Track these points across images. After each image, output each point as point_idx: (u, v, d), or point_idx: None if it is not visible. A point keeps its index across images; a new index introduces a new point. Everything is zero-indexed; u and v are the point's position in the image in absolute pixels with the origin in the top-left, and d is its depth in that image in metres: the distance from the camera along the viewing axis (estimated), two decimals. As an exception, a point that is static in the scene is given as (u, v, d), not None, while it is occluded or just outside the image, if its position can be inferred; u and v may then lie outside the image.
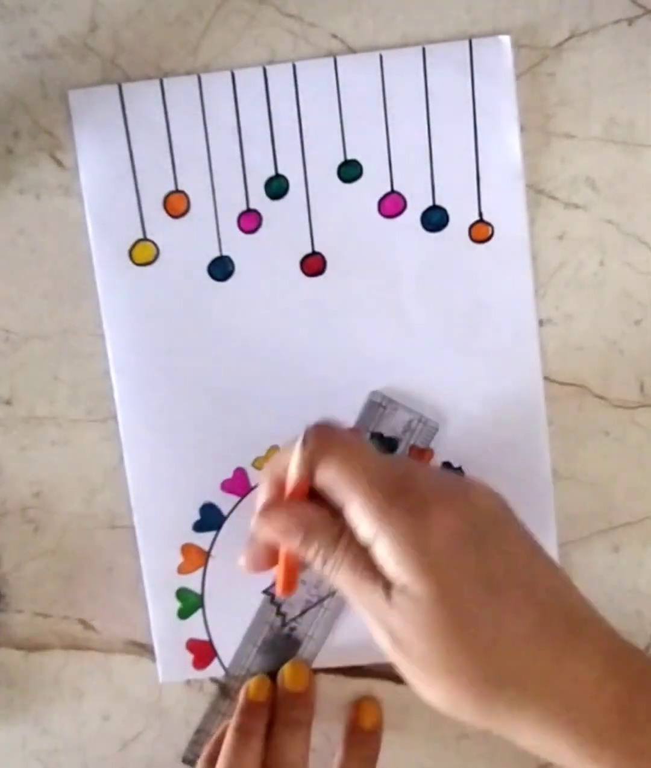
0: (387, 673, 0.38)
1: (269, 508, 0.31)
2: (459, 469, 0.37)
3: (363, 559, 0.29)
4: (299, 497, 0.30)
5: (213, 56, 0.36)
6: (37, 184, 0.37)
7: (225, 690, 0.39)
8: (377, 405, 0.37)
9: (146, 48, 0.36)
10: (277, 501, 0.31)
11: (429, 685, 0.28)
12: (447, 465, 0.37)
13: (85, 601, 0.39)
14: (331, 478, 0.29)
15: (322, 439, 0.30)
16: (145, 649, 0.39)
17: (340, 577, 0.29)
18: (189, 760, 0.39)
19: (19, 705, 0.39)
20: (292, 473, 0.30)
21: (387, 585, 0.28)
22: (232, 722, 0.37)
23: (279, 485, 0.31)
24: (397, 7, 0.36)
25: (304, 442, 0.30)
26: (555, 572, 0.30)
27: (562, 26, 0.36)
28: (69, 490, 0.38)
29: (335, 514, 0.30)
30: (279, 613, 0.38)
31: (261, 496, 0.31)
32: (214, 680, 0.39)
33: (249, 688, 0.38)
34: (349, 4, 0.36)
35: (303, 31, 0.36)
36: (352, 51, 0.36)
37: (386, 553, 0.28)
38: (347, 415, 0.37)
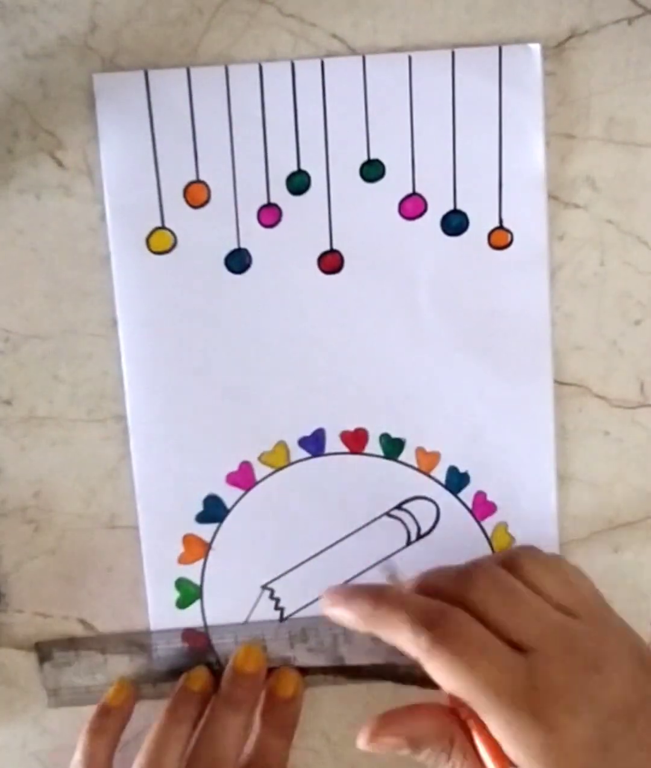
0: (387, 673, 0.37)
1: (384, 715, 0.30)
2: (465, 474, 0.37)
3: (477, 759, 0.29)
4: None
5: (213, 56, 0.36)
6: (37, 184, 0.37)
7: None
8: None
9: (146, 48, 0.36)
10: None
11: None
12: (453, 469, 0.37)
13: (85, 601, 0.39)
14: (455, 682, 0.28)
15: (437, 621, 0.28)
16: (144, 649, 0.39)
17: None
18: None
19: (19, 705, 0.39)
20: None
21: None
22: (167, 706, 0.37)
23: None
24: (397, 8, 0.36)
25: (419, 626, 0.28)
26: None
27: (562, 26, 0.36)
28: (69, 490, 0.38)
29: (452, 719, 0.29)
30: (277, 607, 0.38)
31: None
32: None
33: (188, 676, 0.38)
34: (349, 4, 0.36)
35: (303, 31, 0.36)
36: (352, 51, 0.36)
37: (515, 758, 0.28)
38: (356, 414, 0.37)
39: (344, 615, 0.31)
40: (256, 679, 0.37)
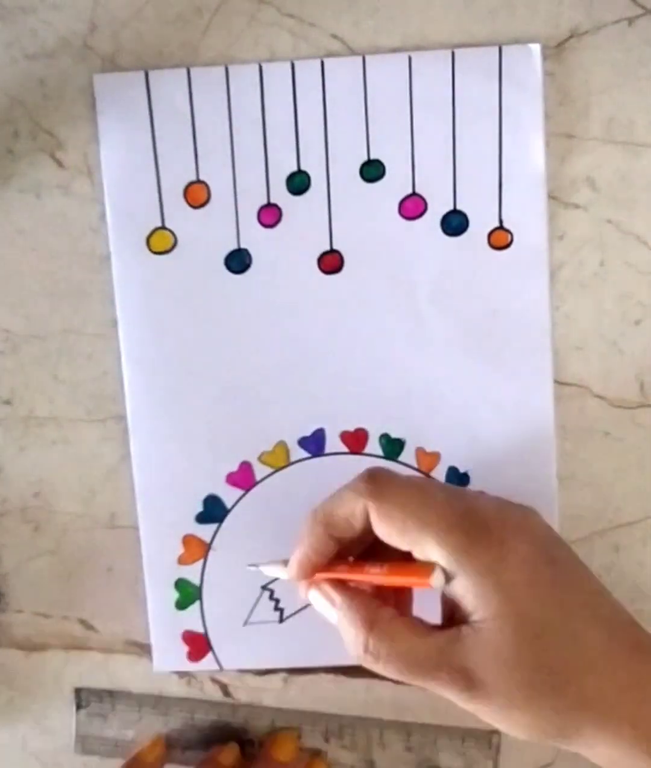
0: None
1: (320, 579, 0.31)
2: (465, 475, 0.37)
3: (415, 620, 0.30)
4: (355, 548, 0.31)
5: (213, 56, 0.36)
6: (37, 184, 0.37)
7: (226, 691, 0.39)
8: None
9: (146, 48, 0.36)
10: (324, 550, 0.31)
11: (513, 719, 0.28)
12: (453, 469, 0.37)
13: (85, 601, 0.39)
14: (399, 519, 0.29)
15: (381, 480, 0.30)
16: (144, 649, 0.39)
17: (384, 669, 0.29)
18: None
19: (19, 705, 0.39)
20: (350, 517, 0.30)
21: (457, 625, 0.29)
22: None
23: (329, 534, 0.31)
24: (397, 8, 0.36)
25: (362, 483, 0.30)
26: (608, 592, 0.30)
27: (562, 26, 0.36)
28: (69, 490, 0.38)
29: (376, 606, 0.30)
30: (277, 608, 0.38)
31: (305, 543, 0.31)
32: (214, 680, 0.39)
33: (221, 750, 0.37)
34: (349, 4, 0.36)
35: (303, 31, 0.36)
36: (352, 51, 0.36)
37: (465, 590, 0.28)
38: (356, 415, 0.37)
39: (307, 541, 0.31)
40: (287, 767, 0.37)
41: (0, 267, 0.37)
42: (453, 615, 0.29)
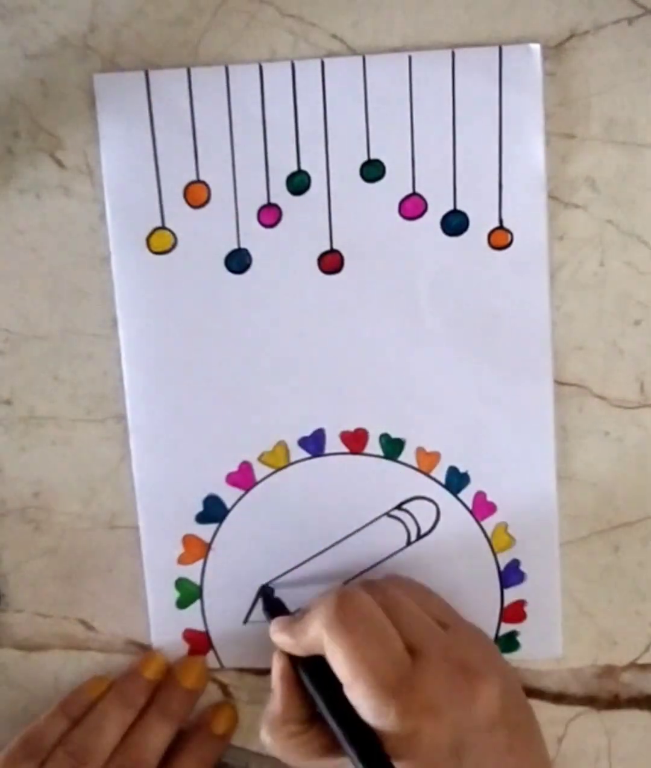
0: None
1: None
2: (465, 475, 0.37)
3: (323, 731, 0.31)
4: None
5: (213, 56, 0.36)
6: (37, 184, 0.37)
7: (226, 690, 0.39)
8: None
9: (146, 48, 0.36)
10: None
11: None
12: (453, 469, 0.37)
13: (85, 601, 0.39)
14: (339, 661, 0.30)
15: (342, 613, 0.31)
16: (145, 649, 0.39)
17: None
18: None
19: (19, 705, 0.39)
20: (303, 633, 0.32)
21: None
22: (116, 682, 0.37)
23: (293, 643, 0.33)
24: (397, 8, 0.36)
25: (325, 609, 0.31)
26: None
27: (562, 26, 0.35)
28: (69, 490, 0.38)
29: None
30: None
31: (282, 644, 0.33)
32: (214, 680, 0.39)
33: (143, 658, 0.38)
34: (349, 4, 0.36)
35: (303, 31, 0.36)
36: (352, 51, 0.36)
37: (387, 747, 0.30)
38: (355, 414, 0.37)
39: (278, 638, 0.33)
40: (193, 695, 0.38)
41: (0, 267, 0.37)
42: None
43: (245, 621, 0.38)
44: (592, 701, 0.38)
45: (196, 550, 0.38)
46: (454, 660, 0.32)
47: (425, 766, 0.29)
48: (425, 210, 0.36)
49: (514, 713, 0.32)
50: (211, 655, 0.38)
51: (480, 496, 0.37)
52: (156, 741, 0.36)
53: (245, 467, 0.38)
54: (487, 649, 0.34)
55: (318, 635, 0.31)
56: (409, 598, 0.34)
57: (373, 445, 0.37)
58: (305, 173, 0.36)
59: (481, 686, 0.31)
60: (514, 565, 0.38)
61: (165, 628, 0.38)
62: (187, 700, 0.37)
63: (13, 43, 0.36)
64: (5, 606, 0.39)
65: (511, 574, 0.38)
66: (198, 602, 0.38)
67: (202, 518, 0.38)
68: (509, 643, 0.38)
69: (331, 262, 0.37)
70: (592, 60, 0.36)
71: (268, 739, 0.32)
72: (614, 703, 0.38)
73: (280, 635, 0.33)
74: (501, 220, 0.36)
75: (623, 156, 0.36)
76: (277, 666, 0.33)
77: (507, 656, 0.37)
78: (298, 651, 0.32)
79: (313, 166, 0.36)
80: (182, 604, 0.38)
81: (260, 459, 0.38)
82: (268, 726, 0.32)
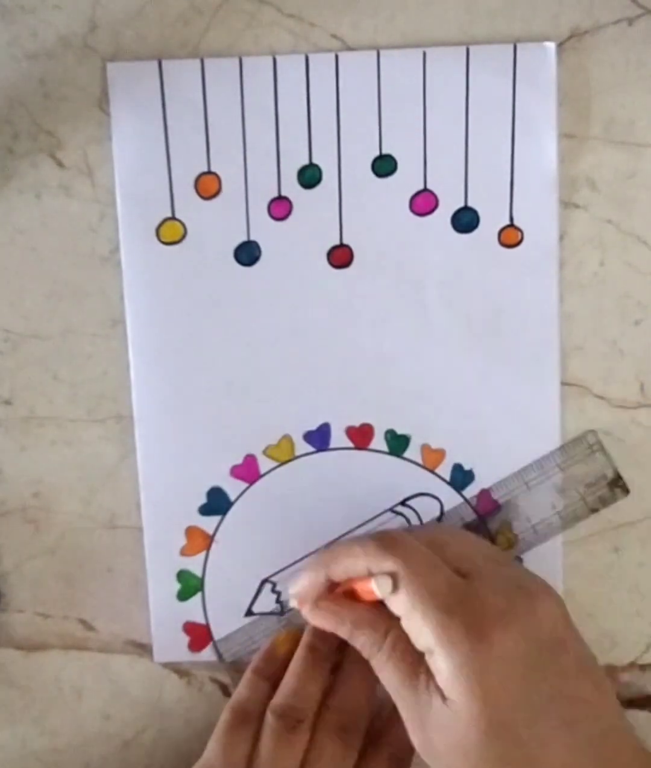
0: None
1: (321, 599, 0.32)
2: (470, 472, 0.37)
3: (409, 661, 0.30)
4: (350, 596, 0.32)
5: (213, 56, 0.36)
6: (37, 184, 0.37)
7: (226, 690, 0.39)
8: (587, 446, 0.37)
9: (146, 48, 0.36)
10: (321, 589, 0.32)
11: None
12: (458, 466, 0.37)
13: (85, 601, 0.39)
14: (400, 589, 0.30)
15: (389, 544, 0.31)
16: (145, 649, 0.39)
17: (383, 675, 0.31)
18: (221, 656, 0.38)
19: (19, 705, 0.39)
20: (352, 572, 0.31)
21: (430, 690, 0.29)
22: (303, 640, 0.36)
23: (331, 583, 0.32)
24: (397, 8, 0.36)
25: (371, 544, 0.30)
26: (600, 695, 0.30)
27: (562, 26, 0.36)
28: (69, 490, 0.38)
29: (387, 615, 0.31)
30: (278, 601, 0.38)
31: (306, 582, 0.33)
32: (214, 680, 0.39)
33: (278, 638, 0.37)
34: (349, 4, 0.36)
35: (303, 31, 0.36)
36: (352, 51, 0.36)
37: (440, 668, 0.29)
38: (362, 410, 0.37)
39: (307, 577, 0.33)
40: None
41: (0, 267, 0.37)
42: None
43: (246, 614, 0.38)
44: (592, 701, 0.38)
45: (199, 542, 0.38)
46: (509, 579, 0.31)
47: (502, 682, 0.28)
48: (436, 206, 0.36)
49: (575, 639, 0.30)
50: (210, 648, 0.38)
51: (484, 494, 0.37)
52: (362, 687, 0.35)
53: (250, 460, 0.38)
54: (541, 579, 0.32)
55: (359, 569, 0.30)
56: (453, 538, 0.33)
57: (379, 441, 0.37)
58: (317, 167, 0.36)
59: (541, 603, 0.30)
60: (515, 564, 0.38)
61: (165, 621, 0.38)
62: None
63: (13, 43, 0.36)
64: (5, 606, 0.39)
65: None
66: (199, 595, 0.38)
67: (205, 510, 0.38)
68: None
69: (340, 256, 0.37)
70: (592, 60, 0.36)
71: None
72: (614, 703, 0.38)
73: (312, 573, 0.32)
74: (512, 218, 0.36)
75: (623, 156, 0.36)
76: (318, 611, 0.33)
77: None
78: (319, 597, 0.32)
79: (324, 159, 0.36)
80: (183, 596, 0.38)
81: (265, 452, 0.38)
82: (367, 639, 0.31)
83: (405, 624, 0.30)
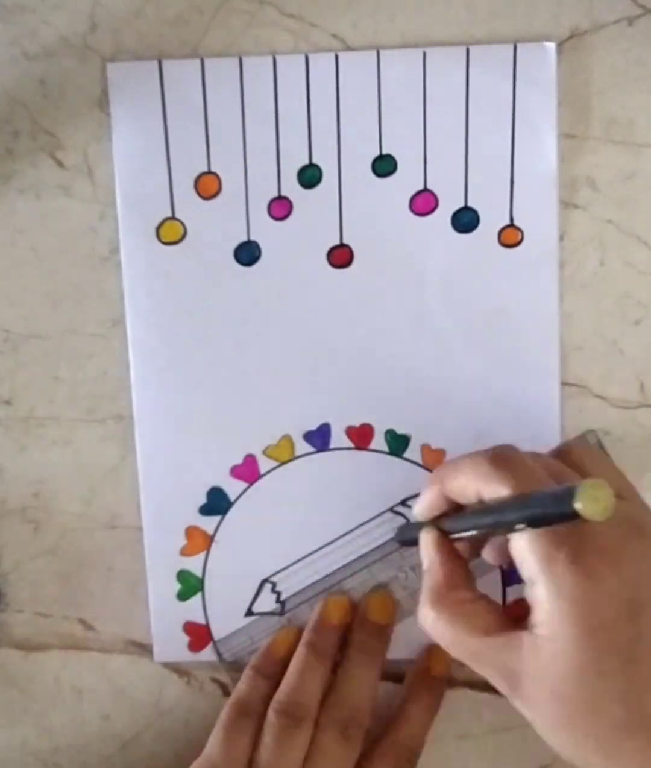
0: (386, 671, 0.37)
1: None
2: None
3: (481, 608, 0.30)
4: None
5: (213, 56, 0.36)
6: (37, 184, 0.37)
7: (226, 690, 0.39)
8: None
9: (146, 48, 0.36)
10: (440, 505, 0.32)
11: (555, 728, 0.28)
12: None
13: (85, 601, 0.39)
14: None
15: (502, 464, 0.29)
16: (145, 649, 0.39)
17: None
18: (222, 656, 0.38)
19: (19, 705, 0.39)
20: (467, 490, 0.30)
21: (518, 625, 0.28)
22: (304, 638, 0.36)
23: (447, 498, 0.31)
24: (397, 7, 0.36)
25: (484, 461, 0.29)
26: None
27: (562, 26, 0.36)
28: (69, 490, 0.38)
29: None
30: (278, 601, 0.38)
31: (424, 500, 0.32)
32: (214, 680, 0.39)
33: (326, 605, 0.37)
34: (349, 4, 0.36)
35: (303, 31, 0.36)
36: (352, 51, 0.36)
37: (540, 601, 0.28)
38: (362, 410, 0.37)
39: (425, 495, 0.32)
40: (387, 631, 0.37)
41: (0, 267, 0.37)
42: (520, 612, 0.29)
43: (246, 614, 0.38)
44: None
45: (199, 542, 0.38)
46: (627, 517, 0.29)
47: (604, 622, 0.27)
48: (436, 206, 0.36)
49: None
50: (210, 648, 0.38)
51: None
52: (364, 685, 0.35)
53: (250, 460, 0.38)
54: None
55: (470, 483, 0.29)
56: (597, 462, 0.32)
57: (379, 441, 0.37)
58: (317, 167, 0.36)
59: None
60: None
61: (165, 620, 0.38)
62: (383, 636, 0.37)
63: (13, 43, 0.36)
64: (5, 606, 0.39)
65: (513, 573, 0.37)
66: (199, 595, 0.38)
67: (205, 510, 0.38)
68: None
69: (340, 256, 0.37)
70: (592, 60, 0.36)
71: (432, 614, 0.30)
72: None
73: (430, 491, 0.31)
74: (512, 218, 0.36)
75: (623, 156, 0.36)
76: (428, 538, 0.32)
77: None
78: (439, 508, 0.31)
79: (324, 159, 0.36)
80: (183, 596, 0.38)
81: (265, 452, 0.38)
82: (433, 598, 0.30)
83: (512, 549, 0.29)
